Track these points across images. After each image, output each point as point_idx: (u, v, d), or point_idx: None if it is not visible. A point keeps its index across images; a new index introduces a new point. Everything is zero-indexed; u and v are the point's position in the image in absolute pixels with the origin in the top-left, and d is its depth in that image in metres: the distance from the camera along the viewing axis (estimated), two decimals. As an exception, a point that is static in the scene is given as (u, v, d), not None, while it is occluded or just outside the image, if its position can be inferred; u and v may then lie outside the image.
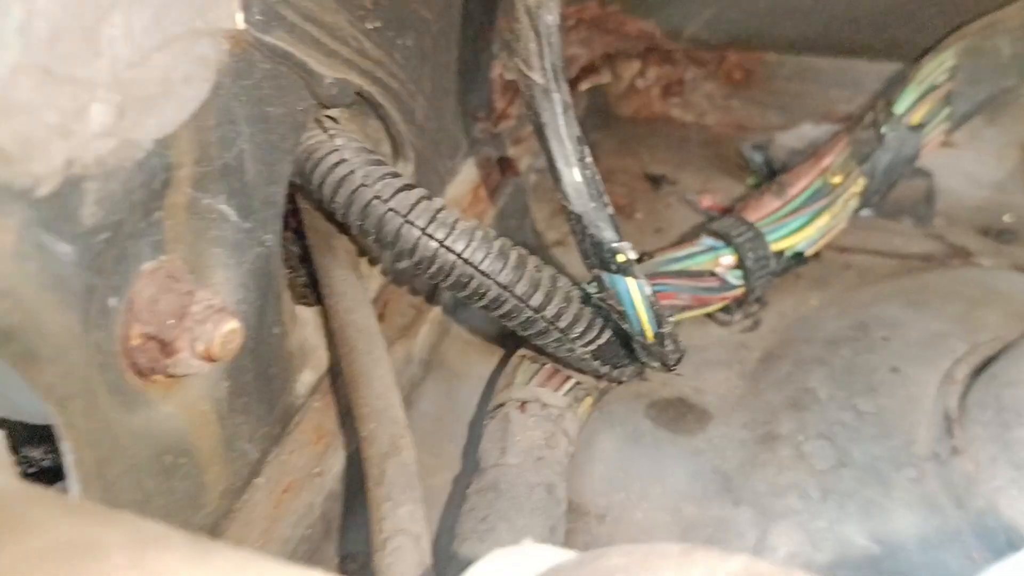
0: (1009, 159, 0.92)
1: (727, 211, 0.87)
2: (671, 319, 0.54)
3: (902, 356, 0.72)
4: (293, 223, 0.58)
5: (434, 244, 0.49)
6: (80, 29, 0.32)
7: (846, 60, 0.92)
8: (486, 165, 0.81)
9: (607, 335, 0.53)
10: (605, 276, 0.46)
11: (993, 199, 0.94)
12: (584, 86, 0.86)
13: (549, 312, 0.52)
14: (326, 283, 0.54)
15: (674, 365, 0.54)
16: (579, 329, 0.53)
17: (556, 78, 0.43)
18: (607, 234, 0.44)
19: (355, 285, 0.54)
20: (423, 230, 0.49)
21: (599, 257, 0.45)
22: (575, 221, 0.44)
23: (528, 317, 0.52)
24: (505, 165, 0.82)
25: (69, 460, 0.37)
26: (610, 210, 0.44)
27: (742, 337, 0.75)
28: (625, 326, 0.50)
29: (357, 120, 0.59)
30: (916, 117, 0.74)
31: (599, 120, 1.01)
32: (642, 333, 0.48)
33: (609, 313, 0.51)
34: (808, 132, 0.96)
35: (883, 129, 0.73)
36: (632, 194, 0.94)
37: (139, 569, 0.24)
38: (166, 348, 0.40)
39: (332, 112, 0.55)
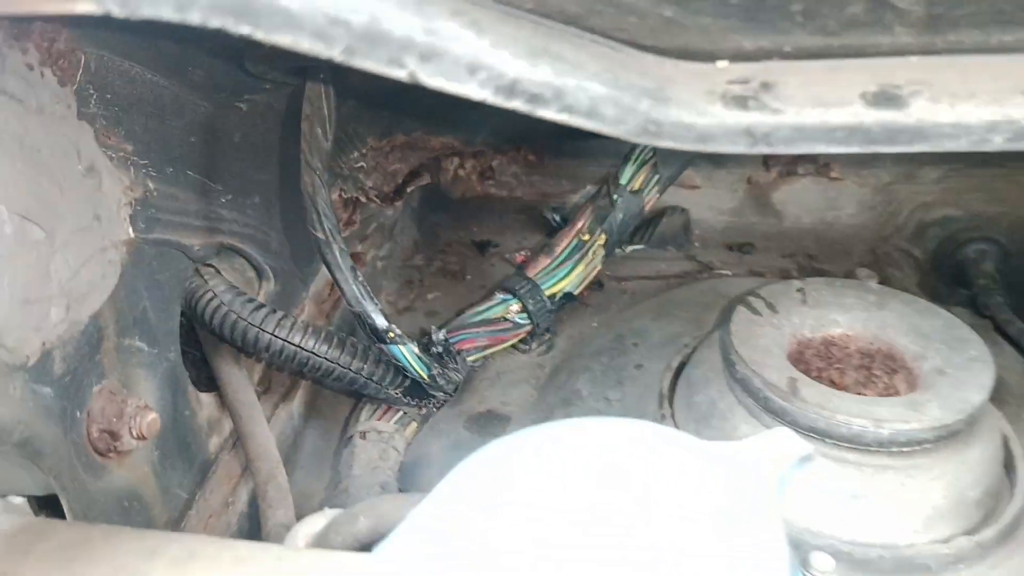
0: (738, 191, 1.23)
1: (532, 264, 1.15)
2: (454, 365, 0.82)
3: (645, 356, 1.00)
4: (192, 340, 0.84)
5: (279, 341, 0.76)
6: (38, 274, 0.59)
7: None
8: (340, 262, 1.09)
9: (409, 380, 0.81)
10: (384, 347, 0.73)
11: (733, 222, 1.25)
12: (411, 188, 1.15)
13: (366, 372, 0.79)
14: (219, 376, 0.81)
15: (452, 392, 0.82)
16: (388, 379, 0.80)
17: (332, 234, 0.71)
18: (379, 322, 0.71)
19: (238, 375, 0.81)
20: (271, 333, 0.76)
21: (376, 337, 0.72)
22: (358, 317, 0.72)
23: (351, 378, 0.79)
24: (354, 259, 1.09)
25: (66, 511, 0.63)
26: (379, 307, 0.71)
27: (539, 359, 1.03)
28: (409, 374, 0.78)
29: (227, 261, 0.86)
30: (636, 184, 1.03)
31: (436, 204, 1.30)
32: (420, 377, 0.76)
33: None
34: (591, 192, 1.26)
35: (614, 196, 1.02)
36: (463, 260, 1.22)
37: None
38: (114, 436, 0.67)
39: (210, 263, 0.83)
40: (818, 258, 1.19)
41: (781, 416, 0.79)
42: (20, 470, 0.60)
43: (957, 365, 0.82)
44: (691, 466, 0.42)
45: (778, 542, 0.37)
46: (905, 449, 0.77)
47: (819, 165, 1.20)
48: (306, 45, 0.42)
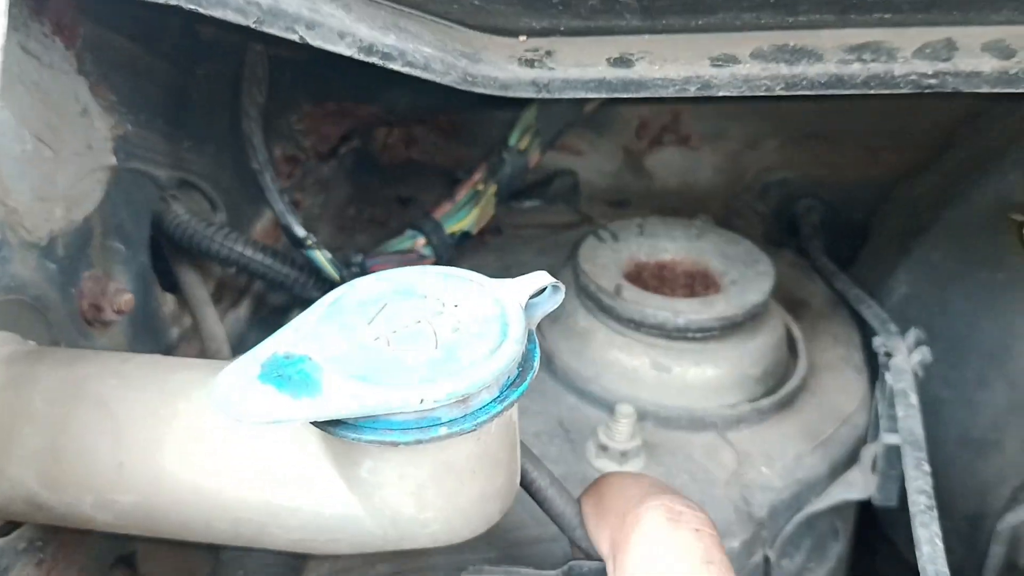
0: (617, 158, 1.49)
1: (443, 214, 1.40)
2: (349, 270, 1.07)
3: (524, 280, 1.25)
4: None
5: (226, 250, 1.01)
6: (47, 180, 0.83)
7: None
8: (283, 207, 1.33)
9: (327, 284, 1.06)
10: (305, 252, 0.97)
11: (613, 182, 1.51)
12: (343, 150, 1.39)
13: (292, 276, 1.04)
14: (179, 279, 1.05)
15: (360, 293, 1.06)
16: (311, 283, 1.05)
17: (265, 165, 0.95)
18: (299, 232, 0.95)
19: (195, 278, 1.05)
20: (221, 243, 1.01)
21: (297, 243, 0.96)
22: (284, 229, 0.96)
23: (281, 280, 1.04)
24: (293, 205, 1.33)
25: (64, 357, 0.87)
26: (299, 219, 0.96)
27: (441, 285, 1.28)
28: (324, 275, 1.02)
29: (187, 193, 1.10)
30: (522, 145, 1.28)
31: (368, 167, 1.54)
32: (332, 277, 1.00)
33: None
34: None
35: (504, 155, 1.28)
36: (389, 212, 1.47)
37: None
38: (99, 309, 0.91)
39: (173, 192, 1.07)
40: (681, 212, 1.45)
41: (608, 312, 1.04)
42: (34, 322, 0.83)
43: (747, 277, 1.09)
44: (472, 288, 0.66)
45: (518, 327, 0.61)
46: (699, 335, 1.03)
47: (680, 136, 1.46)
48: (231, 16, 0.67)
